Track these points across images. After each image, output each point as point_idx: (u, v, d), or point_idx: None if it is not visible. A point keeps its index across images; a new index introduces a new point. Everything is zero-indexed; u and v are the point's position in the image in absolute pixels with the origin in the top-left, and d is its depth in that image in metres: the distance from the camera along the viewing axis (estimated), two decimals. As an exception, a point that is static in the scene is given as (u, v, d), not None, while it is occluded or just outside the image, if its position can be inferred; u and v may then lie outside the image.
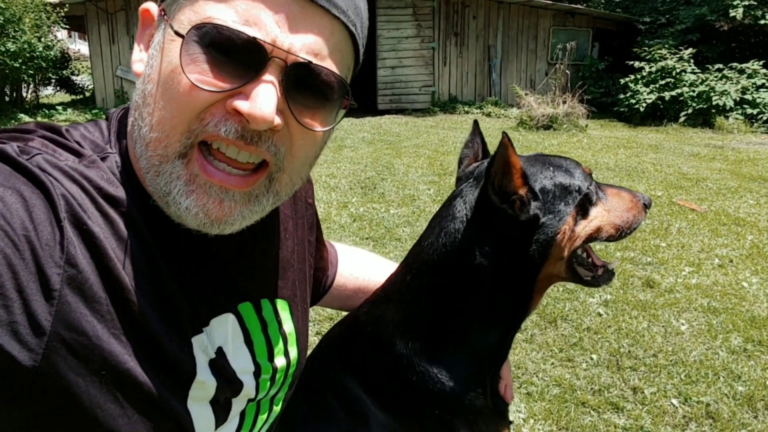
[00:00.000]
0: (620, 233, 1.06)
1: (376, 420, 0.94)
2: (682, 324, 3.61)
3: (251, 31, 0.64)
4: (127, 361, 0.67)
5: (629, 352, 3.27)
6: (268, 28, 0.64)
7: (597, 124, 12.76)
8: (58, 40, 15.07)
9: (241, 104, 0.64)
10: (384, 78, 15.28)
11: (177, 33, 0.65)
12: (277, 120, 0.66)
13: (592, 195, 1.05)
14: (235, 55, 0.65)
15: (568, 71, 13.81)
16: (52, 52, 13.36)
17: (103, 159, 0.73)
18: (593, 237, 1.05)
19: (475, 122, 1.18)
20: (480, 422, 0.96)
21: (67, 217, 0.63)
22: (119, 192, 0.70)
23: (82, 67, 17.91)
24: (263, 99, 0.64)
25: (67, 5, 13.67)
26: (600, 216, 1.04)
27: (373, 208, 6.00)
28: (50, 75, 15.22)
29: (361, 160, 8.62)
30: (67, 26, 14.88)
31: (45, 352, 0.59)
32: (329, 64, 0.69)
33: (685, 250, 4.88)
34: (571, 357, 3.21)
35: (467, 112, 14.88)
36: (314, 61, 0.67)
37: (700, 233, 5.32)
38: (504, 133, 0.91)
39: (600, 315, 3.71)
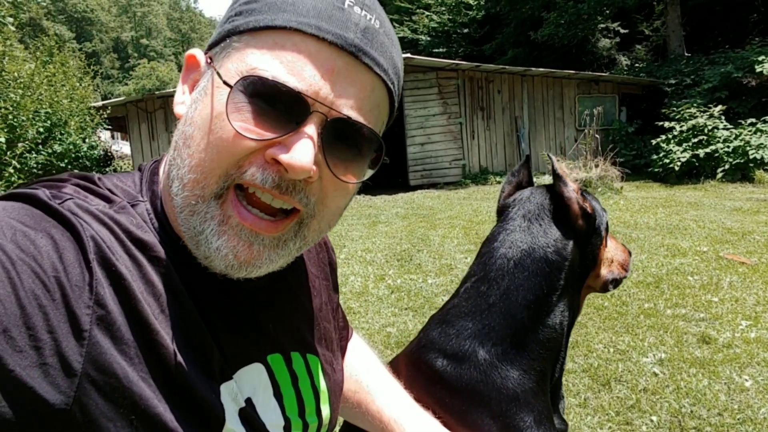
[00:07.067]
0: (624, 271, 1.25)
1: None
2: (746, 380, 3.38)
3: (295, 83, 0.66)
4: (157, 406, 0.64)
5: (692, 412, 3.06)
6: (312, 81, 0.66)
7: (632, 186, 12.60)
8: (101, 141, 15.85)
9: (280, 154, 0.66)
10: (414, 155, 15.52)
11: (225, 83, 0.67)
12: (313, 170, 0.67)
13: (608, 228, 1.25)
14: (278, 105, 0.66)
15: (597, 135, 13.82)
16: (95, 152, 14.04)
17: (133, 206, 0.74)
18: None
19: (527, 156, 1.33)
20: (548, 423, 0.98)
21: (96, 258, 0.63)
22: (148, 236, 0.71)
23: (125, 164, 18.78)
24: (302, 150, 0.65)
25: (109, 108, 14.53)
26: (612, 249, 1.23)
27: (411, 279, 5.93)
28: (94, 172, 15.93)
29: (396, 233, 8.63)
30: (110, 127, 15.68)
31: (76, 395, 0.58)
32: (367, 121, 0.71)
33: (739, 304, 4.65)
34: (630, 420, 3.02)
35: (499, 182, 14.92)
36: (353, 116, 0.69)
37: (753, 286, 5.08)
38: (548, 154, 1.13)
39: (656, 375, 3.52)
